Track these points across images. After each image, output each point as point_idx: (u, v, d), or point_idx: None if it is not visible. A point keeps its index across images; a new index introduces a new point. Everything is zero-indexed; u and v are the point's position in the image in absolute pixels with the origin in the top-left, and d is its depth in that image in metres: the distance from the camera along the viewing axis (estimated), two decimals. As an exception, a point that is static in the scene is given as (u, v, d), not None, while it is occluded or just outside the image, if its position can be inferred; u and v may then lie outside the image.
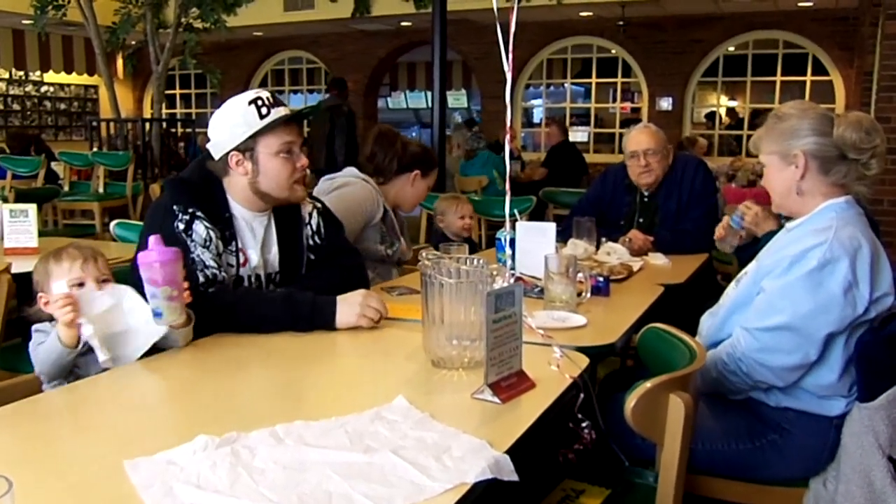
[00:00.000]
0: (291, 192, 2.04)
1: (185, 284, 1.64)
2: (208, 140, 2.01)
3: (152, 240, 1.60)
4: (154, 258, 1.57)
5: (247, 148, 1.96)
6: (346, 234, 2.49)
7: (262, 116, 1.94)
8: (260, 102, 1.94)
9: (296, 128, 2.03)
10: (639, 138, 3.27)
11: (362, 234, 2.72)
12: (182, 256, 1.64)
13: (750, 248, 2.68)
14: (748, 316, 1.81)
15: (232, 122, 1.95)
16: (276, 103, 1.97)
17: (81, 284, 1.68)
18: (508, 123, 1.90)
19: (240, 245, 2.01)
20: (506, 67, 1.62)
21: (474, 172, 7.90)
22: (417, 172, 2.85)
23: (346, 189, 2.75)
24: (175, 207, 1.91)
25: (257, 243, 2.05)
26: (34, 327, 1.68)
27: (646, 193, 3.33)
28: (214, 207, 1.98)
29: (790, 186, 1.86)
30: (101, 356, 1.56)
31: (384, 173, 2.82)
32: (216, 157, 1.99)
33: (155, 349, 1.68)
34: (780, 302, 1.74)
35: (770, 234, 2.32)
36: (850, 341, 1.74)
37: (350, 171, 2.83)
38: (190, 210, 1.91)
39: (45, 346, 1.60)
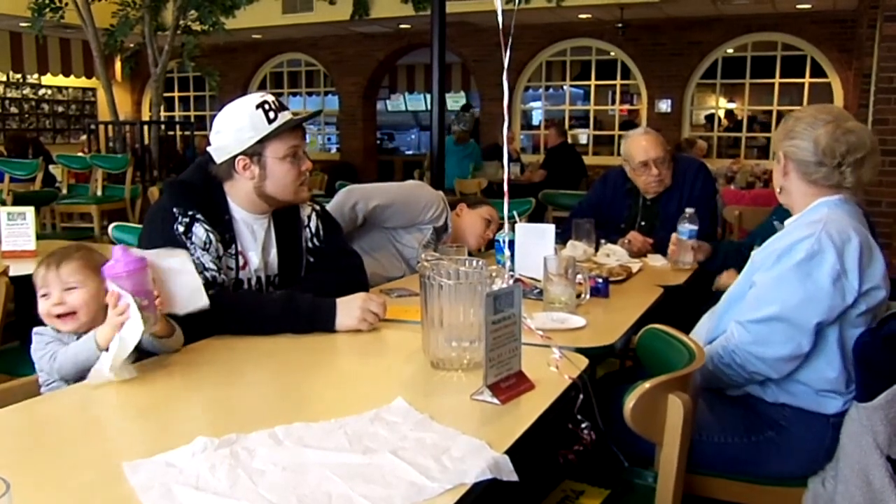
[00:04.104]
0: (297, 195, 2.05)
1: (156, 293, 1.58)
2: (209, 144, 2.01)
3: (118, 250, 1.55)
4: (121, 269, 1.52)
5: (254, 152, 1.95)
6: (404, 214, 2.79)
7: (270, 121, 1.93)
8: (267, 107, 1.94)
9: (301, 131, 2.03)
10: (645, 146, 3.21)
11: (415, 227, 2.83)
12: (146, 266, 1.56)
13: (712, 261, 2.78)
14: (741, 309, 1.83)
15: (238, 126, 1.94)
16: (282, 107, 1.97)
17: (45, 296, 1.62)
18: (506, 126, 1.90)
19: (239, 248, 2.01)
20: (504, 71, 1.62)
21: (456, 156, 8.28)
22: (462, 205, 3.06)
23: (423, 183, 3.14)
24: (175, 210, 1.91)
25: (258, 246, 2.05)
26: (35, 331, 1.65)
27: (648, 197, 3.32)
28: (214, 210, 1.98)
29: (778, 184, 1.96)
30: (107, 364, 1.48)
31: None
32: (219, 160, 1.98)
33: (150, 354, 1.68)
34: (771, 294, 1.76)
35: (766, 232, 2.35)
36: (845, 335, 1.75)
37: None
38: (190, 213, 1.91)
39: (74, 348, 1.55)
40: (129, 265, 1.53)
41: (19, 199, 5.17)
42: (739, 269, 2.13)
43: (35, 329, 1.66)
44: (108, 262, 1.55)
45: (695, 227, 2.77)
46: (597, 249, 2.95)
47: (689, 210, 2.80)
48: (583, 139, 11.39)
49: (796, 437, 1.79)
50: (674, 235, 2.81)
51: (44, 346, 1.61)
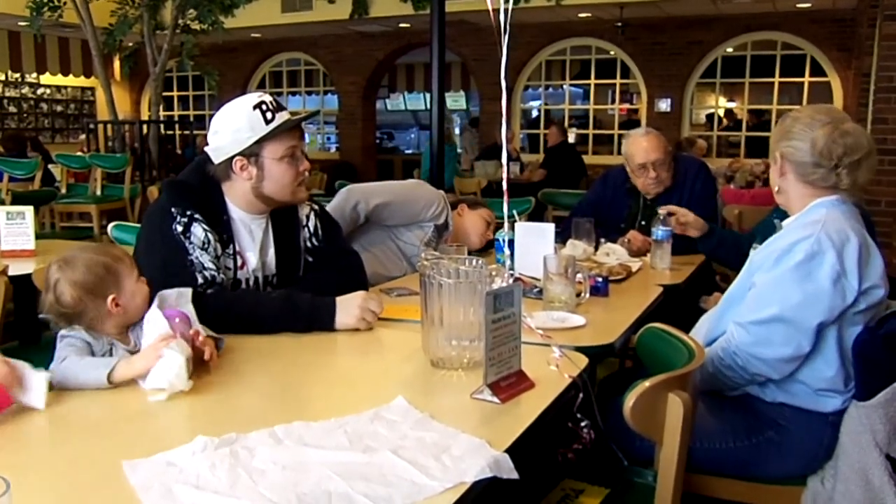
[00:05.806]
0: (294, 196, 2.04)
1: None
2: (207, 144, 2.00)
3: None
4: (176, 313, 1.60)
5: (252, 153, 1.95)
6: (405, 212, 2.81)
7: (267, 122, 1.92)
8: (265, 107, 1.93)
9: (298, 132, 2.02)
10: (646, 148, 3.19)
11: (416, 224, 2.84)
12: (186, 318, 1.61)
13: (706, 241, 2.88)
14: (741, 311, 1.83)
15: (235, 127, 1.94)
16: (279, 107, 1.96)
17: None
18: (505, 125, 1.90)
19: (237, 248, 2.01)
20: (502, 70, 1.62)
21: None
22: (463, 205, 3.10)
23: (424, 182, 3.19)
24: (173, 209, 1.91)
25: (255, 246, 2.05)
26: (60, 333, 1.56)
27: (648, 197, 3.32)
28: (212, 210, 1.97)
29: (775, 184, 1.95)
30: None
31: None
32: (217, 161, 1.97)
33: None
34: (771, 295, 1.76)
35: (767, 229, 2.35)
36: (844, 334, 1.76)
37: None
38: (188, 213, 1.91)
39: (84, 370, 1.47)
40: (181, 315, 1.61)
41: (18, 199, 5.16)
42: (731, 261, 2.14)
43: (61, 333, 1.57)
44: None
45: (668, 229, 2.76)
46: (597, 248, 2.95)
47: (662, 211, 2.79)
48: (582, 138, 11.38)
49: (795, 436, 1.79)
50: (651, 239, 2.82)
51: (66, 347, 1.52)
